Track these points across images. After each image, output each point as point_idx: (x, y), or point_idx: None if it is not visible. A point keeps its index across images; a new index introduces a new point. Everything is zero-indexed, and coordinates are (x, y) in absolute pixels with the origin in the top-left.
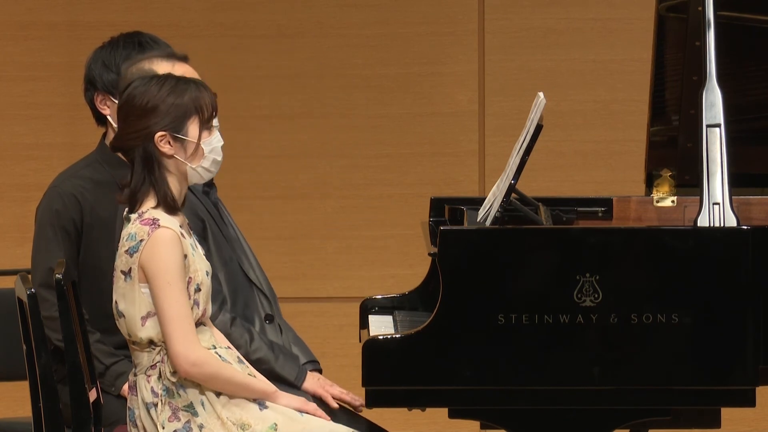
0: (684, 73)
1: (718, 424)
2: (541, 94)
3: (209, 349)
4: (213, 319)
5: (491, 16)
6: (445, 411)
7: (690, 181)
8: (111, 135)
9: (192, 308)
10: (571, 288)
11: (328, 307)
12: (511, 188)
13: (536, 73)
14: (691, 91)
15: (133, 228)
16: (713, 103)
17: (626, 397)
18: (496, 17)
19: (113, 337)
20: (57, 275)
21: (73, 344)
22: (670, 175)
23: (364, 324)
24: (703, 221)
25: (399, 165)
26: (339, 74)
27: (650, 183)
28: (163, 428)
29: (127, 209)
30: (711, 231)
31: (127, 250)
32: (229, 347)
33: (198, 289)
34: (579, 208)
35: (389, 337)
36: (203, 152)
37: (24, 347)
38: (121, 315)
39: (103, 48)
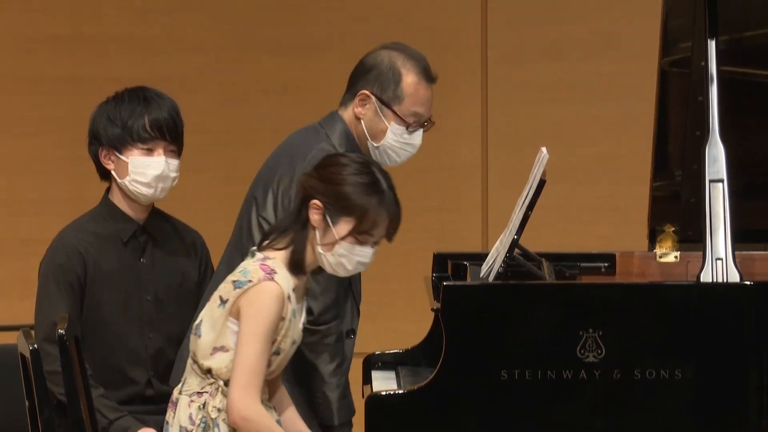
0: (687, 127)
1: None
2: (544, 149)
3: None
4: None
5: (494, 71)
6: None
7: (693, 237)
8: (115, 190)
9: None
10: (574, 344)
11: None
12: (515, 243)
13: (539, 128)
14: (694, 146)
15: (251, 266)
16: (716, 158)
17: None
18: (499, 72)
19: (117, 391)
20: (60, 330)
21: (76, 399)
22: (673, 231)
23: (367, 379)
24: (706, 277)
25: (402, 219)
26: None
27: (653, 238)
28: None
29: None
30: (714, 286)
31: (234, 281)
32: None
33: (277, 353)
34: (582, 264)
35: (392, 392)
36: (337, 250)
37: (27, 403)
38: (198, 334)
39: (108, 103)
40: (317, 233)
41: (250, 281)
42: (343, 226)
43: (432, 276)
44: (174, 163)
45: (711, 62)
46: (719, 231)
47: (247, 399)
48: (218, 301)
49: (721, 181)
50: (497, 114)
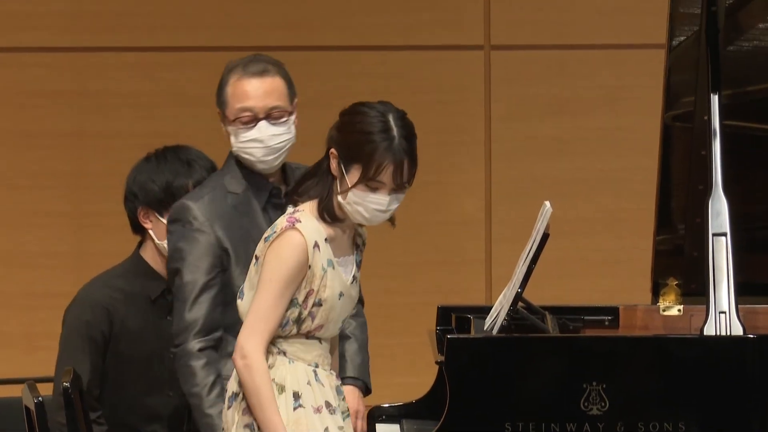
0: (690, 181)
1: None
2: (547, 203)
3: (310, 365)
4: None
5: (498, 126)
6: None
7: (696, 290)
8: (149, 248)
9: (305, 319)
10: (578, 396)
11: None
12: (518, 297)
13: (542, 182)
14: (696, 199)
15: (280, 219)
16: (719, 211)
17: None
18: (503, 126)
19: None
20: (64, 383)
21: None
22: (676, 284)
23: None
24: (709, 330)
25: (406, 273)
26: None
27: (657, 291)
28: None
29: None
30: (717, 340)
31: (265, 237)
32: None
33: (318, 304)
34: (586, 317)
35: None
36: (350, 197)
37: None
38: (241, 297)
39: (149, 161)
40: (337, 181)
41: (275, 233)
42: (354, 174)
43: (436, 329)
44: None
45: (714, 116)
46: (722, 284)
47: (250, 341)
48: (254, 260)
49: (725, 234)
50: (501, 168)
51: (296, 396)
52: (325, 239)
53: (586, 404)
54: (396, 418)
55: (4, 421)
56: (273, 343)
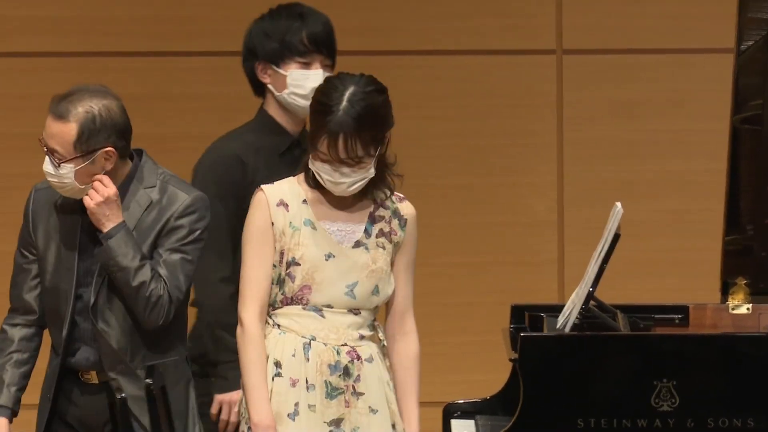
0: (758, 183)
1: None
2: (618, 204)
3: (304, 337)
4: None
5: (570, 129)
6: None
7: (765, 289)
8: (271, 103)
9: (285, 280)
10: (648, 393)
11: None
12: (590, 296)
13: (613, 184)
14: (765, 201)
15: None
16: None
17: None
18: (574, 130)
19: None
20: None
21: None
22: (745, 284)
23: (446, 428)
24: None
25: (479, 273)
26: (418, 183)
27: (726, 291)
28: None
29: None
30: None
31: None
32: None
33: (295, 263)
34: (656, 315)
35: None
36: (311, 167)
37: None
38: None
39: (263, 19)
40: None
41: None
42: (311, 145)
43: (510, 327)
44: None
45: None
46: None
47: (242, 310)
48: None
49: None
50: (572, 171)
51: (277, 365)
52: (303, 200)
53: (656, 401)
54: (470, 414)
55: None
56: (270, 316)
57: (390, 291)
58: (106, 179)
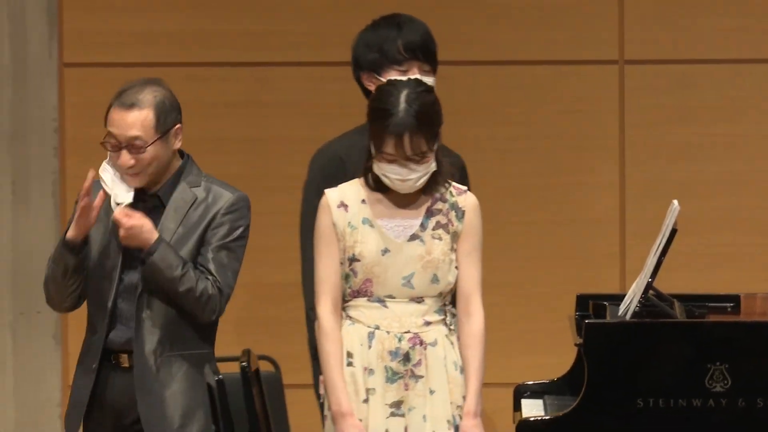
0: None
1: None
2: (675, 202)
3: (369, 326)
4: None
5: (630, 133)
6: None
7: None
8: None
9: (349, 275)
10: (702, 375)
11: (485, 392)
12: (649, 286)
13: (671, 183)
14: None
15: None
16: None
17: None
18: (635, 133)
19: None
20: (242, 363)
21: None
22: None
23: (517, 407)
24: None
25: (548, 265)
26: (493, 183)
27: None
28: None
29: None
30: None
31: None
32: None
33: (356, 259)
34: (709, 304)
35: (540, 418)
36: (376, 169)
37: (213, 427)
38: None
39: (366, 30)
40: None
41: None
42: (373, 146)
43: (575, 315)
44: (429, 80)
45: None
46: None
47: (316, 302)
48: None
49: None
50: (633, 171)
51: (349, 355)
52: (362, 200)
53: (710, 382)
54: (539, 394)
55: None
56: (343, 308)
57: (451, 278)
58: (126, 212)
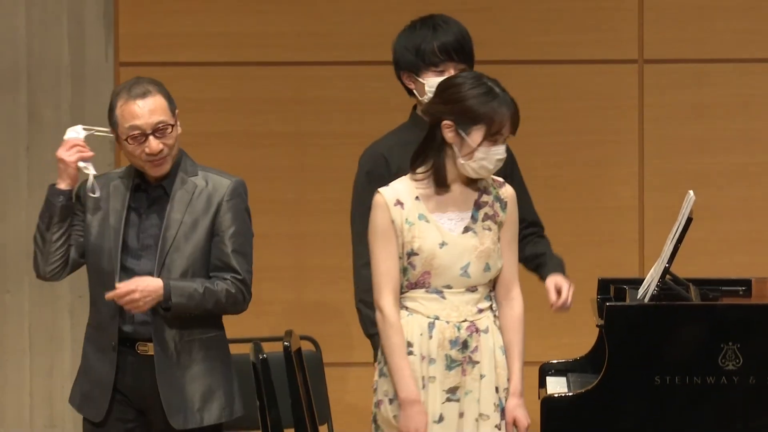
0: None
1: None
2: (691, 192)
3: (429, 317)
4: None
5: (649, 127)
6: None
7: None
8: (418, 103)
9: (408, 269)
10: (716, 354)
11: None
12: (666, 271)
13: (687, 175)
14: None
15: None
16: None
17: None
18: (653, 128)
19: None
20: (285, 343)
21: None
22: None
23: (542, 384)
24: None
25: (572, 251)
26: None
27: None
28: None
29: None
30: None
31: None
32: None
33: (414, 253)
34: (723, 287)
35: (563, 395)
36: (476, 155)
37: (258, 402)
38: None
39: (404, 32)
40: (455, 148)
41: None
42: (476, 135)
43: (597, 298)
44: None
45: None
46: None
47: (378, 298)
48: None
49: None
50: (652, 163)
51: (409, 344)
52: (416, 197)
53: (723, 361)
54: (563, 372)
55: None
56: (401, 301)
57: (500, 265)
58: (119, 293)
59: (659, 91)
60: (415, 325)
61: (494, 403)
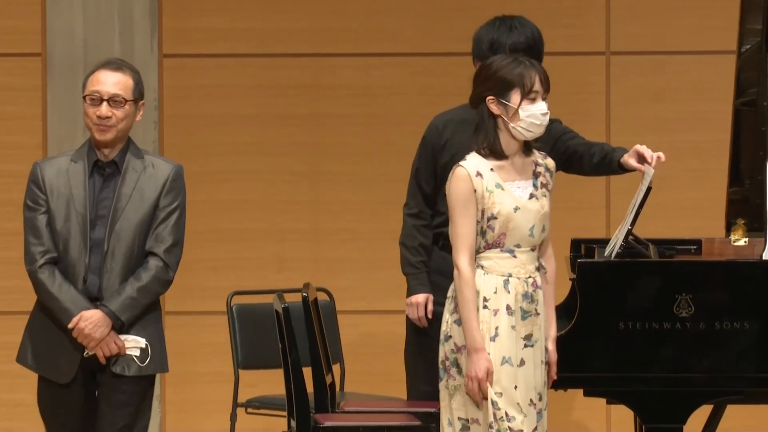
0: (753, 149)
1: None
2: (651, 167)
3: (503, 275)
4: None
5: (615, 109)
6: (580, 391)
7: (758, 227)
8: None
9: (486, 231)
10: (671, 303)
11: None
12: (629, 232)
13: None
14: (758, 162)
15: None
16: None
17: (711, 381)
18: (619, 110)
19: None
20: (303, 294)
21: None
22: (743, 223)
23: None
24: (767, 256)
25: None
26: None
27: (729, 229)
28: None
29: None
30: None
31: None
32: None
33: (493, 218)
34: (677, 246)
35: None
36: (521, 115)
37: (280, 345)
38: None
39: (486, 26)
40: (502, 117)
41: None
42: (515, 97)
43: (570, 255)
44: None
45: None
46: None
47: (456, 256)
48: None
49: None
50: (617, 140)
51: (485, 300)
52: (491, 169)
53: (677, 309)
54: None
55: (260, 322)
56: (476, 260)
57: (549, 227)
58: (83, 336)
59: (624, 78)
60: (490, 282)
61: (546, 347)
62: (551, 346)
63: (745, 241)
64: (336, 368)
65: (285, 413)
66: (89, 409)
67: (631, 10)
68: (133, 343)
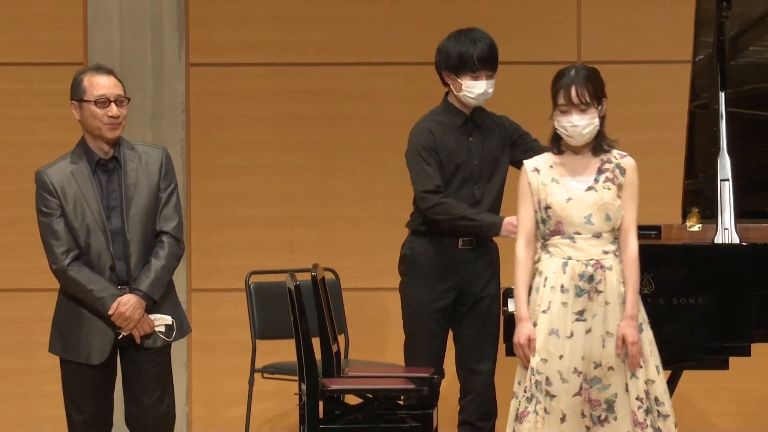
0: (707, 146)
1: (726, 366)
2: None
3: (563, 258)
4: None
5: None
6: None
7: (710, 215)
8: (451, 94)
9: (545, 220)
10: None
11: None
12: None
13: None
14: (710, 158)
15: None
16: (724, 165)
17: (669, 350)
18: None
19: None
20: (312, 273)
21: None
22: (697, 212)
23: (504, 303)
24: (718, 240)
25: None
26: None
27: (685, 216)
28: None
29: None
30: (723, 246)
31: None
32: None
33: (549, 207)
34: (640, 232)
35: (511, 312)
36: (558, 124)
37: (292, 318)
38: None
39: (449, 39)
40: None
41: None
42: (554, 108)
43: None
44: (491, 81)
45: (721, 106)
46: (726, 212)
47: (517, 243)
48: None
49: (728, 180)
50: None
51: (546, 279)
52: (550, 165)
53: (640, 286)
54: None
55: (274, 298)
56: (543, 246)
57: (620, 216)
58: (119, 317)
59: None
60: (552, 264)
61: (617, 324)
62: (625, 323)
63: (699, 227)
64: (341, 338)
65: (296, 378)
66: (111, 385)
67: (599, 24)
68: (161, 321)
